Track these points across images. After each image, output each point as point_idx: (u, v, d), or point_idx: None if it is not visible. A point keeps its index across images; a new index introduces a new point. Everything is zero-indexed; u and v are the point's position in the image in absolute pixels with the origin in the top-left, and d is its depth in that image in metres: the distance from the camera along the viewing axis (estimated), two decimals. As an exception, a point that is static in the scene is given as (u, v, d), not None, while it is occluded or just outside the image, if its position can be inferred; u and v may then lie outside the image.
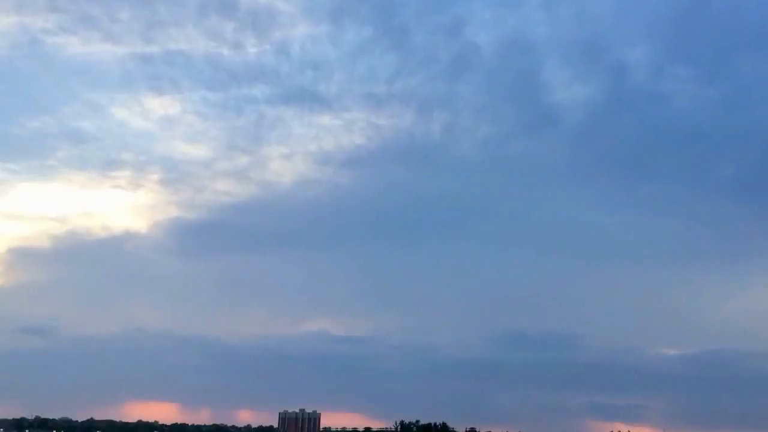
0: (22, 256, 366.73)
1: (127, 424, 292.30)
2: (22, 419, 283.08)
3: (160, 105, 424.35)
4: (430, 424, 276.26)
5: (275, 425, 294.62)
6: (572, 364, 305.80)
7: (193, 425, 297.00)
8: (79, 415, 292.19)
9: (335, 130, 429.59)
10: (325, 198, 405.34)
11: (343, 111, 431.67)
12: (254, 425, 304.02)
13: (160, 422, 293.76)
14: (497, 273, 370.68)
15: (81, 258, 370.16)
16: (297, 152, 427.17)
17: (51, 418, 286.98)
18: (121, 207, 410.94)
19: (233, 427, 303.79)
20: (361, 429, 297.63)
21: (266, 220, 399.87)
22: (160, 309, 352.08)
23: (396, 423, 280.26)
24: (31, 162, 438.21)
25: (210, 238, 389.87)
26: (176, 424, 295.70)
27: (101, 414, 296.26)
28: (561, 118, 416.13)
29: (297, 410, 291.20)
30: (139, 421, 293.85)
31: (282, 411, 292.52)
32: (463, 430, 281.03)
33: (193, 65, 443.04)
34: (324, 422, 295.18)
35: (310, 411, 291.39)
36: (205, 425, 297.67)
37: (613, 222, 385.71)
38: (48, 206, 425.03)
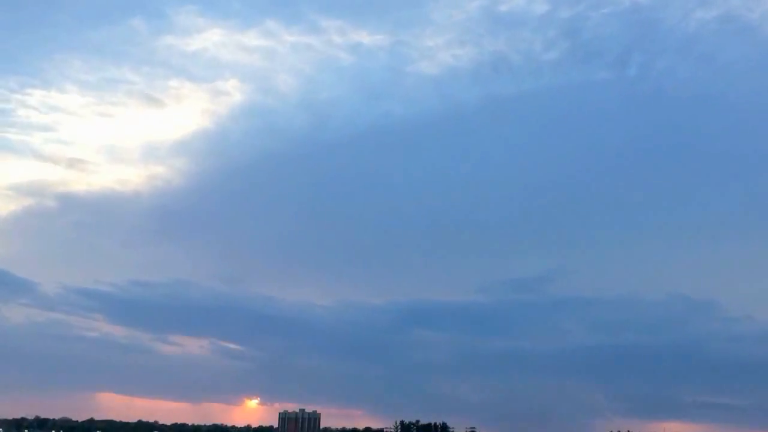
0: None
1: (126, 423, 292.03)
2: (22, 419, 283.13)
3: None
4: (430, 424, 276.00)
5: (275, 425, 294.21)
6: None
7: (192, 425, 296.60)
8: (79, 416, 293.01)
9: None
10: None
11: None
12: (254, 425, 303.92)
13: (160, 422, 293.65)
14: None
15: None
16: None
17: (51, 418, 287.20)
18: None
19: (233, 427, 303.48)
20: (361, 429, 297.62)
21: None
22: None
23: (396, 423, 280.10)
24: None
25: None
26: (176, 423, 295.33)
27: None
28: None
29: (297, 410, 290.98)
30: (139, 421, 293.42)
31: (282, 411, 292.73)
32: (463, 430, 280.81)
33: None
34: (324, 422, 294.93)
35: (310, 411, 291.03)
36: (204, 425, 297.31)
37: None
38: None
